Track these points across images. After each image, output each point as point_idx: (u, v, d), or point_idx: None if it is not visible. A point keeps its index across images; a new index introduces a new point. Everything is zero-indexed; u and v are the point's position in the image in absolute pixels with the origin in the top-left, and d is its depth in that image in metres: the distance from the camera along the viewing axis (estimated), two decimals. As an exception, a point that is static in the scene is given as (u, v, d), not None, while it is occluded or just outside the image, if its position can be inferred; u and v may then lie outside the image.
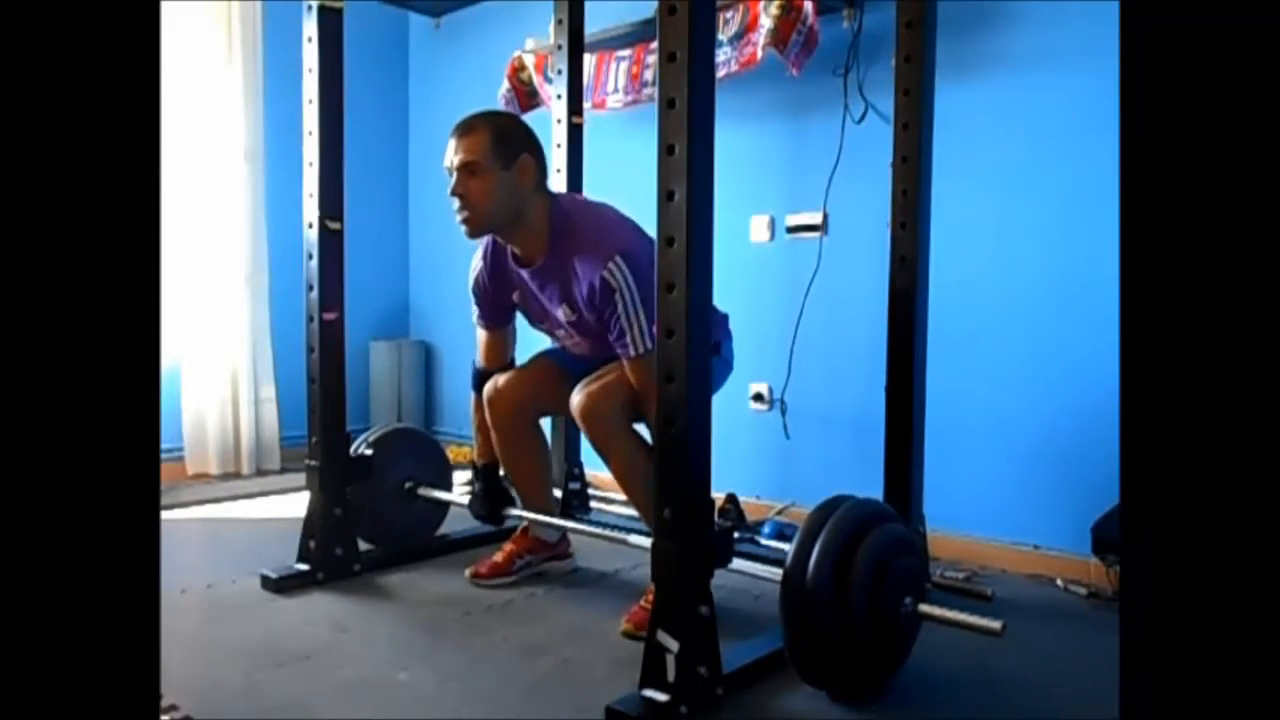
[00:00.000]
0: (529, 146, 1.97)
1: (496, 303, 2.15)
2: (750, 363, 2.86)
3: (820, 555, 1.53)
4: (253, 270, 3.47)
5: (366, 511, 2.37)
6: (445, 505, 2.51)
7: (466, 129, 1.95)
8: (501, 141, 1.93)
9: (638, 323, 1.86)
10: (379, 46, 4.03)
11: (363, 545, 2.35)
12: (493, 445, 2.24)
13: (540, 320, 2.13)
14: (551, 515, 2.32)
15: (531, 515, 2.25)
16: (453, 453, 3.78)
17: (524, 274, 2.04)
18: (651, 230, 1.54)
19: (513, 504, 2.28)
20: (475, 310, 2.19)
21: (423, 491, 2.45)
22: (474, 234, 2.00)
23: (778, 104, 2.82)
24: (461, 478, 3.37)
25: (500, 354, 2.21)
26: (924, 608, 1.59)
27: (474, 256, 2.16)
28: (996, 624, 1.50)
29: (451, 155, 1.94)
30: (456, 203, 1.94)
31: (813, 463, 2.80)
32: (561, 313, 2.00)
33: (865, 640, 1.54)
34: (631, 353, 1.88)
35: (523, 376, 2.21)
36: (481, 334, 2.21)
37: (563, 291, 1.97)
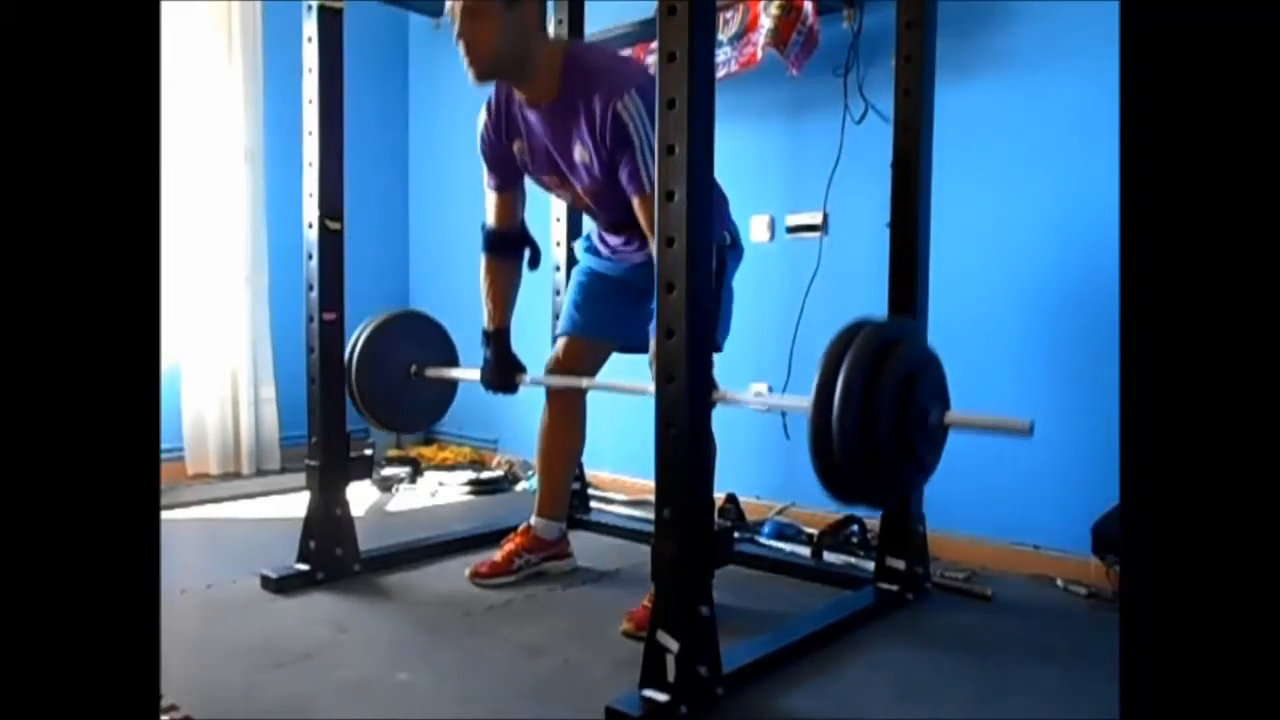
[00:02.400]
0: None
1: (505, 160, 2.13)
2: (750, 363, 2.86)
3: (848, 373, 1.48)
4: (253, 270, 3.47)
5: (376, 397, 2.37)
6: (454, 384, 2.51)
7: None
8: None
9: (653, 159, 1.82)
10: (379, 46, 4.03)
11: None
12: (504, 310, 2.24)
13: (546, 170, 2.10)
14: (563, 510, 2.36)
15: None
16: (451, 453, 3.79)
17: (532, 117, 2.01)
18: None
19: (524, 370, 2.25)
20: (486, 173, 2.17)
21: (430, 372, 2.44)
22: (480, 77, 1.95)
23: (778, 104, 2.82)
24: (463, 477, 3.39)
25: (510, 214, 2.19)
26: (949, 418, 1.57)
27: (480, 114, 2.13)
28: (1024, 422, 1.45)
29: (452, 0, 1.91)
30: (462, 47, 1.91)
31: (813, 463, 2.79)
32: (577, 153, 1.98)
33: (893, 454, 1.50)
34: (646, 190, 1.84)
35: (570, 358, 2.23)
36: (491, 196, 2.20)
37: (577, 130, 1.94)
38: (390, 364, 2.40)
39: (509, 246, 2.21)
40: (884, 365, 1.50)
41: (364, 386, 2.36)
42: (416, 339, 2.48)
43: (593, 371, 2.31)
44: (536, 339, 2.32)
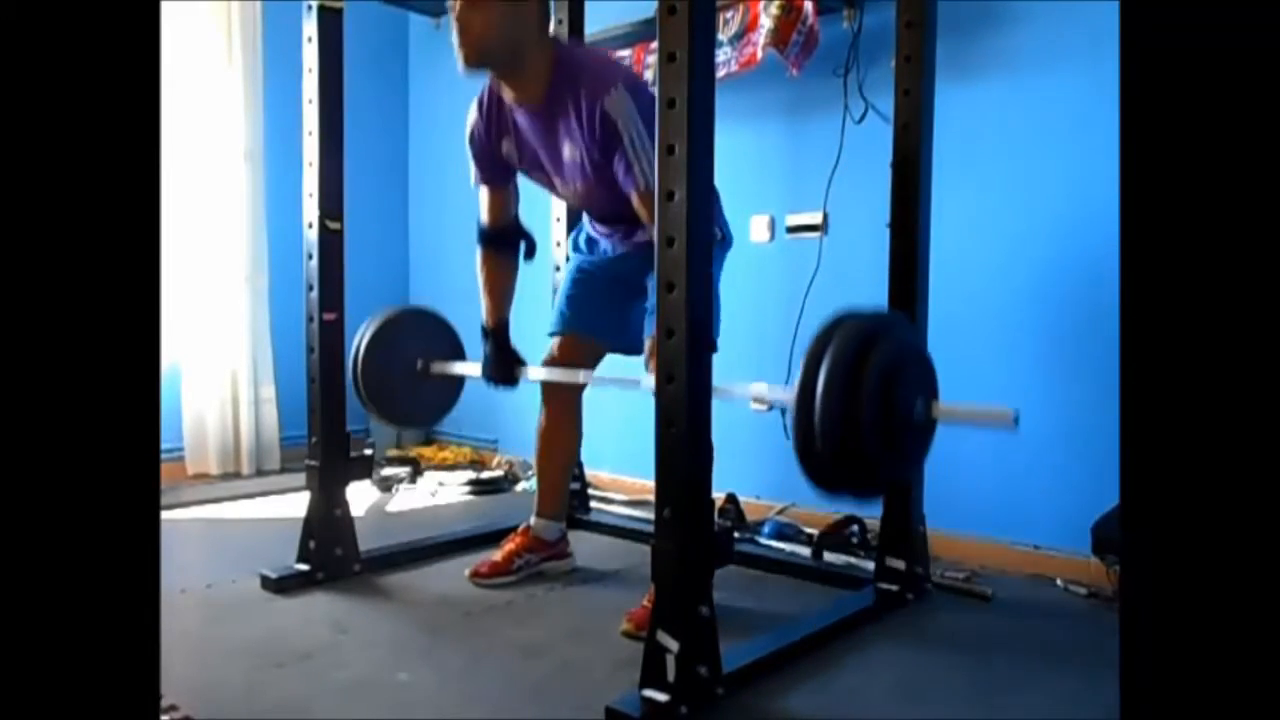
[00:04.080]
0: None
1: (493, 157, 2.13)
2: (750, 363, 2.86)
3: (830, 369, 1.48)
4: (253, 270, 3.47)
5: (381, 393, 2.38)
6: (459, 380, 2.50)
7: None
8: None
9: (645, 155, 1.83)
10: (379, 46, 4.03)
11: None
12: (502, 305, 2.25)
13: (535, 168, 2.10)
14: (562, 510, 2.36)
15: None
16: (451, 453, 3.79)
17: (520, 118, 2.02)
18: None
19: (524, 363, 2.26)
20: (473, 169, 2.16)
21: (435, 368, 2.44)
22: (470, 63, 1.93)
23: (778, 104, 2.82)
24: (463, 477, 3.39)
25: (503, 210, 2.20)
26: (936, 410, 1.56)
27: (469, 111, 2.13)
28: (1009, 412, 1.45)
29: None
30: (455, 30, 1.90)
31: (813, 463, 2.79)
32: (565, 152, 1.98)
33: (878, 449, 1.49)
34: (641, 185, 1.85)
35: (565, 358, 2.23)
36: (483, 191, 2.19)
37: (565, 129, 1.95)
38: (396, 360, 2.39)
39: (504, 242, 2.21)
40: (867, 360, 1.49)
41: (370, 383, 2.36)
42: (422, 335, 2.48)
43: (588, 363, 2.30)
44: (536, 340, 2.32)
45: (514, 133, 2.06)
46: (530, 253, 2.25)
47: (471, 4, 1.89)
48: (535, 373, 2.23)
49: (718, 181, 1.52)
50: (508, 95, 2.00)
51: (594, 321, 2.22)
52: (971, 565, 2.40)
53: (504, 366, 2.24)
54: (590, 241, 2.26)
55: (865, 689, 1.69)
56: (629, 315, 2.18)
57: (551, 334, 2.28)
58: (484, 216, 2.20)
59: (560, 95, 1.92)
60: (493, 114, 2.07)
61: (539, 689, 1.67)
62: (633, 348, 2.23)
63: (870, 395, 1.47)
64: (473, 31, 1.89)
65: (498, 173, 2.15)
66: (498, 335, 2.25)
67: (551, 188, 2.14)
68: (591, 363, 2.28)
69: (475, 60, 1.93)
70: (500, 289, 2.24)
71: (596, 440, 2.98)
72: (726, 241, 2.14)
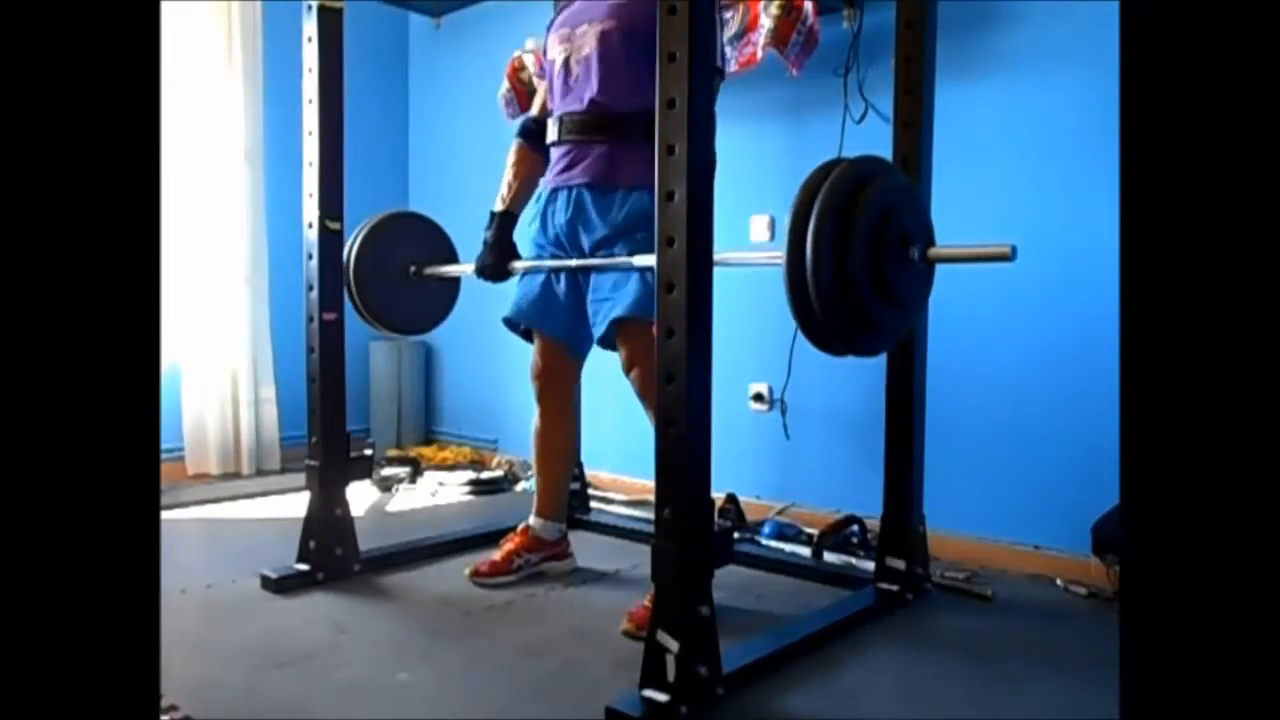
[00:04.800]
0: None
1: None
2: (750, 363, 2.86)
3: (819, 217, 1.45)
4: (253, 270, 3.47)
5: (376, 298, 2.39)
6: (455, 286, 2.52)
7: None
8: None
9: None
10: (379, 46, 4.03)
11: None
12: (521, 196, 2.25)
13: (564, 22, 2.15)
14: (562, 510, 2.35)
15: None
16: (451, 453, 3.79)
17: None
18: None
19: (519, 257, 2.23)
20: (543, 62, 2.25)
21: (429, 270, 2.44)
22: None
23: (778, 104, 2.82)
24: (463, 477, 3.39)
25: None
26: (933, 252, 1.55)
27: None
28: (1005, 247, 1.44)
29: None
30: None
31: (813, 463, 2.79)
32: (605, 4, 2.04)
33: (873, 301, 1.48)
34: None
35: (550, 360, 2.24)
36: (542, 86, 2.27)
37: None
38: (390, 263, 2.41)
39: (544, 138, 2.20)
40: (858, 202, 1.47)
41: (363, 285, 2.37)
42: (416, 239, 2.49)
43: (575, 376, 2.30)
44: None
45: (567, 7, 2.17)
46: None
47: None
48: (520, 265, 2.20)
49: (718, 182, 1.52)
50: None
51: (558, 326, 2.19)
52: (971, 565, 2.40)
53: (500, 258, 2.21)
54: (543, 216, 2.19)
55: (865, 689, 1.69)
56: (579, 316, 2.16)
57: (523, 327, 2.24)
58: (535, 109, 2.28)
59: None
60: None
61: (539, 689, 1.67)
62: (581, 349, 2.24)
63: (863, 235, 1.44)
64: None
65: None
66: (504, 222, 2.23)
67: (565, 47, 2.11)
68: (575, 370, 2.28)
69: None
70: (525, 180, 2.25)
71: (596, 440, 2.98)
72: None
